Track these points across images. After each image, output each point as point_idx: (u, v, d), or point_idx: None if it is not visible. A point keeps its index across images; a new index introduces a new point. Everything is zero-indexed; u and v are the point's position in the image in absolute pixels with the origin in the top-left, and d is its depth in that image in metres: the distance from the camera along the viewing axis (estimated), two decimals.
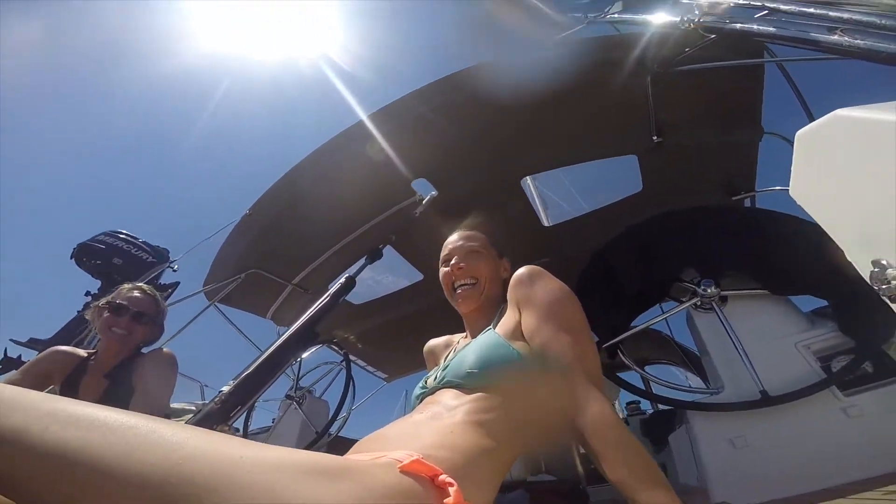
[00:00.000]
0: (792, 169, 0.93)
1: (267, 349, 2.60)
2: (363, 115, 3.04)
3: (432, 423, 1.06)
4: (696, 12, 1.92)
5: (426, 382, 1.32)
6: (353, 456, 0.97)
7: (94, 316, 2.28)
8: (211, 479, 0.57)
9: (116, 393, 2.12)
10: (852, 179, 0.79)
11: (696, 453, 2.41)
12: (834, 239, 0.83)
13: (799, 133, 0.93)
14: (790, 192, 0.95)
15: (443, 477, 0.81)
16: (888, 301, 0.74)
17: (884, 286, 0.72)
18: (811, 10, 1.32)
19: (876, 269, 0.73)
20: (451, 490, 0.80)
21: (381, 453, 0.88)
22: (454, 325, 1.59)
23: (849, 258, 0.80)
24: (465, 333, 1.57)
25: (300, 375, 5.52)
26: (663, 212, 2.91)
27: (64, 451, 0.54)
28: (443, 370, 1.27)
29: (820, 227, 0.89)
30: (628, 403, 6.30)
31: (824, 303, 2.46)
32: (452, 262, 1.52)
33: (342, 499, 0.69)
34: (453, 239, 1.60)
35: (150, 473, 0.55)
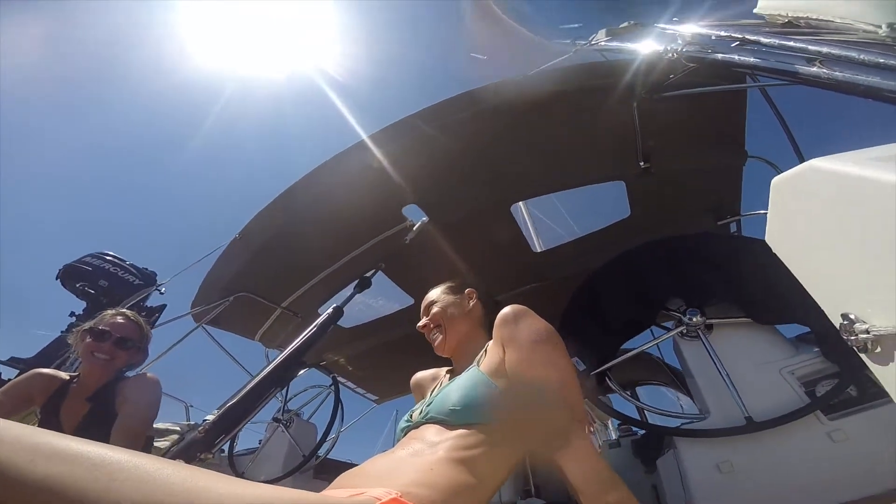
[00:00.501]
0: (767, 216, 0.96)
1: (252, 379, 2.58)
2: (355, 140, 3.07)
3: (413, 460, 1.07)
4: (679, 42, 1.98)
5: (411, 416, 1.34)
6: (331, 491, 0.98)
7: (77, 340, 2.27)
8: None
9: (98, 417, 2.11)
10: (823, 232, 0.81)
11: (684, 477, 2.41)
12: (806, 289, 0.86)
13: (774, 180, 0.96)
14: (766, 239, 0.98)
15: None
16: (857, 351, 0.76)
17: (852, 337, 0.75)
18: (791, 42, 1.37)
19: (845, 322, 0.76)
20: None
21: (360, 490, 0.89)
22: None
23: (822, 308, 0.83)
24: (451, 367, 1.60)
25: (288, 398, 5.46)
26: (649, 240, 2.96)
27: (50, 486, 0.54)
28: (427, 405, 1.29)
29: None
30: (620, 425, 6.29)
31: (807, 329, 2.50)
32: (420, 323, 1.68)
33: None
34: (429, 294, 1.76)
35: None
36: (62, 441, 0.60)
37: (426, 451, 1.10)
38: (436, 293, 1.70)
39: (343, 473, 1.10)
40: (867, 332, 0.73)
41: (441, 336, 1.55)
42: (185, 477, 0.62)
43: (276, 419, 5.32)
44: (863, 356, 0.77)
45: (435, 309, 1.63)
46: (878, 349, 0.74)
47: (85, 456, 0.59)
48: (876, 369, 0.77)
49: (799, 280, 0.88)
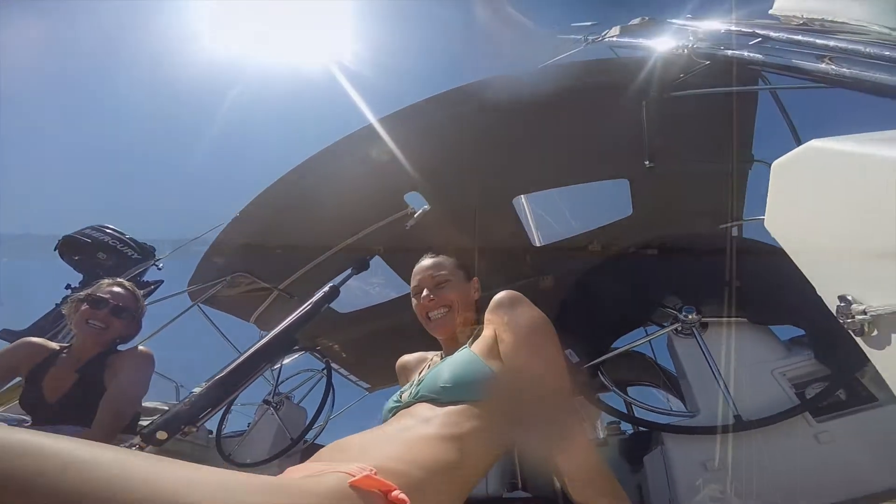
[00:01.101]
0: (767, 200, 0.96)
1: (243, 352, 2.58)
2: (359, 125, 3.07)
3: (399, 435, 1.07)
4: (692, 38, 1.98)
5: (400, 397, 1.33)
6: (310, 464, 0.98)
7: (71, 310, 2.23)
8: None
9: (85, 389, 2.09)
10: (821, 213, 0.82)
11: (670, 475, 2.43)
12: (803, 272, 0.86)
13: (775, 163, 0.96)
14: (765, 224, 0.98)
15: (396, 493, 0.82)
16: (853, 335, 0.77)
17: (849, 320, 0.75)
18: (799, 37, 1.37)
19: (842, 304, 0.77)
20: None
21: (336, 465, 0.89)
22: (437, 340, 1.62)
23: (818, 292, 0.83)
24: (440, 352, 1.59)
25: (279, 381, 5.47)
26: (649, 240, 2.97)
27: (82, 493, 0.55)
28: (417, 385, 1.28)
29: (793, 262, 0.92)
30: (609, 423, 6.33)
31: (801, 332, 2.52)
32: (423, 294, 1.56)
33: None
34: (421, 268, 1.63)
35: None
36: (91, 449, 0.60)
37: (414, 428, 1.09)
38: (448, 268, 1.60)
39: (326, 446, 1.10)
40: (864, 312, 0.74)
41: (445, 317, 1.51)
42: (146, 466, 0.62)
43: (266, 401, 5.32)
44: (859, 340, 0.78)
45: (449, 292, 1.54)
46: (875, 332, 0.75)
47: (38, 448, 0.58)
48: (871, 353, 0.78)
49: (796, 263, 0.89)
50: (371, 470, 0.84)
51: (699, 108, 2.88)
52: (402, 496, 0.81)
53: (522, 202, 4.00)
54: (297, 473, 0.90)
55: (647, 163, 3.22)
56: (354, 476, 0.80)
